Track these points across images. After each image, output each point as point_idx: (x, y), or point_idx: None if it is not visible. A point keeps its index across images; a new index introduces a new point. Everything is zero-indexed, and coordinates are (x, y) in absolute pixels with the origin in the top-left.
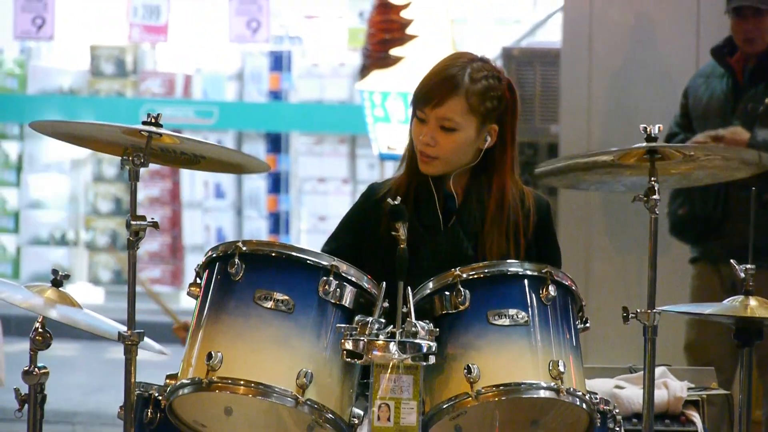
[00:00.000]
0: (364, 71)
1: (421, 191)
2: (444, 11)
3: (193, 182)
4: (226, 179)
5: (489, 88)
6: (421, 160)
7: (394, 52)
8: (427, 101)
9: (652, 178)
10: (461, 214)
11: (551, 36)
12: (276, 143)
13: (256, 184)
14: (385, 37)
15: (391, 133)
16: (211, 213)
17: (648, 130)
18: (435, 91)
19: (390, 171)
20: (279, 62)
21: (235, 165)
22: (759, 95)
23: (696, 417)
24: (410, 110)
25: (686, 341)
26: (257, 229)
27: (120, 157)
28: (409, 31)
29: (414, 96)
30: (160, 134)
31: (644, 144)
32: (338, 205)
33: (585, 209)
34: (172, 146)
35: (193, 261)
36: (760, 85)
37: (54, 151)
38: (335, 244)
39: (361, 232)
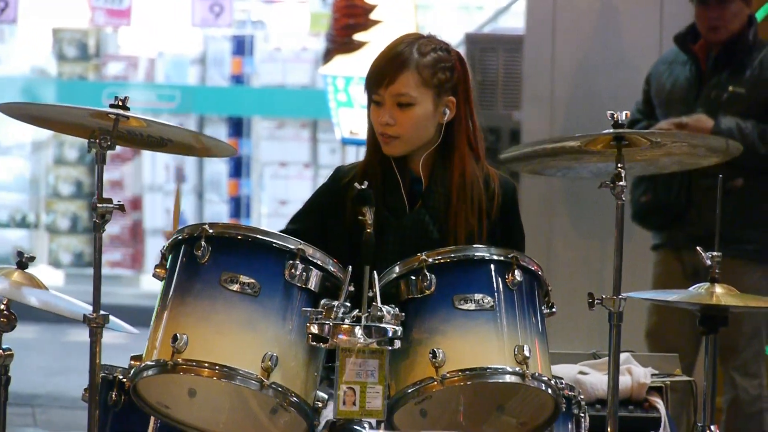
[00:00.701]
0: (327, 56)
1: (386, 175)
2: None
3: (155, 166)
4: (188, 163)
5: (439, 60)
6: (383, 142)
7: (357, 37)
8: (379, 82)
9: (619, 165)
10: (427, 197)
11: (514, 22)
12: (238, 127)
13: (218, 168)
14: (348, 22)
15: (353, 117)
16: (172, 196)
17: (615, 116)
18: (386, 70)
19: (352, 155)
20: (241, 46)
21: (201, 149)
22: (722, 83)
23: (659, 403)
24: (366, 96)
25: (648, 328)
26: (218, 213)
27: (87, 140)
28: (372, 16)
29: (367, 81)
30: (128, 117)
31: (612, 130)
32: (300, 189)
33: (548, 195)
34: (139, 129)
35: (153, 244)
36: (723, 72)
37: (15, 133)
38: (299, 225)
39: (327, 214)
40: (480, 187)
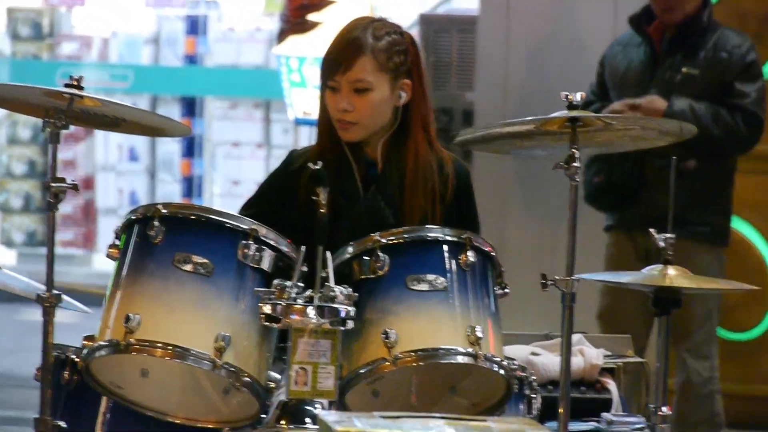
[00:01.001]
0: (281, 36)
1: (339, 160)
2: None
3: (108, 145)
4: (140, 143)
5: (393, 43)
6: (341, 128)
7: (311, 17)
8: (335, 68)
9: (573, 146)
10: (381, 181)
11: (468, 3)
12: (191, 107)
13: (170, 147)
14: (302, 3)
15: (307, 98)
16: (125, 176)
17: (569, 97)
18: (342, 56)
19: (305, 136)
20: (195, 26)
21: (156, 128)
22: (676, 64)
23: (611, 384)
24: (320, 81)
25: (600, 309)
26: (171, 192)
27: (41, 119)
28: None
29: (322, 67)
30: (82, 96)
31: (566, 112)
32: (252, 169)
33: (501, 176)
34: (93, 109)
35: (106, 224)
36: (677, 54)
37: None
38: (253, 210)
39: (280, 199)
40: (433, 170)
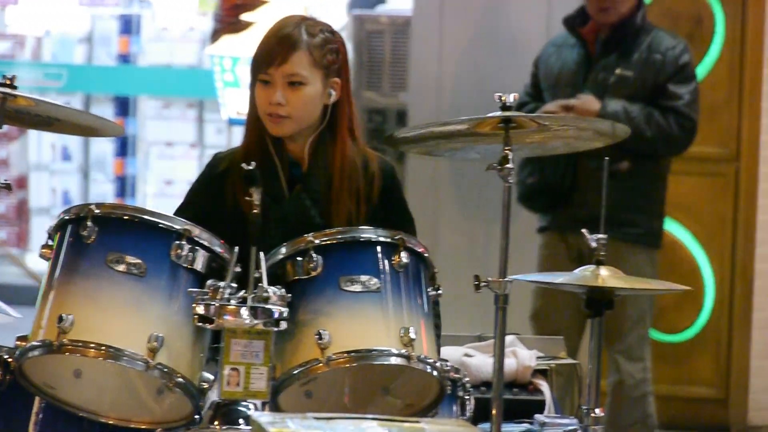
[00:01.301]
0: (214, 36)
1: (264, 160)
2: None
3: (41, 145)
4: (73, 142)
5: (327, 41)
6: (273, 122)
7: (245, 17)
8: (270, 61)
9: (507, 147)
10: (307, 181)
11: (402, 3)
12: (124, 107)
13: (103, 147)
14: (236, 2)
15: (240, 98)
16: (58, 175)
17: (503, 98)
18: (277, 49)
19: (238, 136)
20: (128, 26)
21: (90, 128)
22: (610, 66)
23: (544, 386)
24: (250, 77)
25: (532, 310)
26: (104, 192)
27: None
28: None
29: (255, 60)
30: (15, 96)
31: (499, 113)
32: (186, 169)
33: (433, 177)
34: (27, 108)
35: (39, 223)
36: (611, 55)
37: None
38: (188, 214)
39: (208, 202)
40: (358, 170)
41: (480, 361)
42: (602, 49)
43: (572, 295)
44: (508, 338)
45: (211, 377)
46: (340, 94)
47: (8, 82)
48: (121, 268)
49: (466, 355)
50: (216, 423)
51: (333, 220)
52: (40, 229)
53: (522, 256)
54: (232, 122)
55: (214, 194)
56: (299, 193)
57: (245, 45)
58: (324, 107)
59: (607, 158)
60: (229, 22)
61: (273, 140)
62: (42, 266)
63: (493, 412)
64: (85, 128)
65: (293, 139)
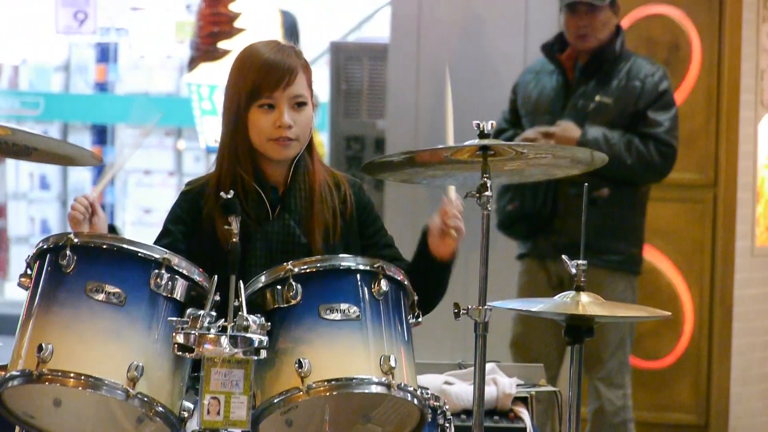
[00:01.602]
0: (192, 64)
1: (243, 184)
2: (272, 4)
3: (18, 173)
4: (52, 170)
5: (308, 63)
6: (280, 145)
7: (222, 45)
8: (277, 84)
9: (485, 175)
10: (287, 202)
11: (379, 31)
12: (102, 135)
13: (82, 175)
14: (213, 30)
15: (218, 126)
16: (36, 204)
17: (481, 126)
18: (281, 72)
19: None
20: (105, 54)
21: (67, 157)
22: (589, 92)
23: (524, 413)
24: (238, 106)
25: (512, 337)
26: None
27: None
28: (237, 24)
29: (254, 87)
30: None
31: (477, 140)
32: (164, 197)
33: (412, 204)
34: (4, 137)
35: (17, 252)
36: (590, 82)
37: None
38: (167, 240)
39: (187, 229)
40: (333, 190)
41: (460, 389)
42: (581, 75)
43: (552, 322)
44: (489, 366)
45: (191, 406)
46: None
47: None
48: (101, 297)
49: (447, 382)
50: None
51: (313, 238)
52: (18, 258)
53: (502, 282)
54: (209, 150)
55: (190, 221)
56: (281, 213)
57: (223, 73)
58: None
59: (586, 185)
60: (206, 50)
61: (252, 166)
62: (21, 295)
63: None
64: (63, 157)
65: (273, 163)
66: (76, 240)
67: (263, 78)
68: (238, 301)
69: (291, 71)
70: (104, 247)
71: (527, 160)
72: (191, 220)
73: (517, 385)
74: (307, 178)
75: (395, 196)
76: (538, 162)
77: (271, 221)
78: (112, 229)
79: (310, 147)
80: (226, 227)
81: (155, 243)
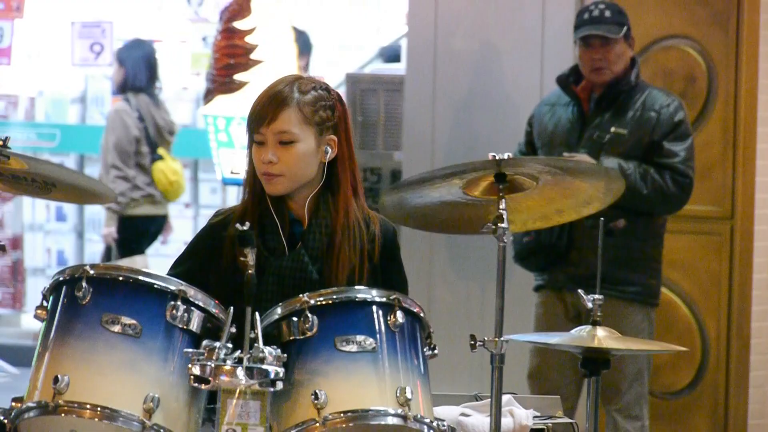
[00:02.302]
0: (208, 96)
1: (265, 216)
2: (289, 37)
3: (35, 205)
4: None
5: (319, 98)
6: (266, 181)
7: (238, 77)
8: (261, 120)
9: (501, 207)
10: (307, 238)
11: (395, 63)
12: None
13: (98, 207)
14: (229, 62)
15: (234, 157)
16: (53, 235)
17: (497, 158)
18: (267, 108)
19: (233, 196)
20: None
21: (85, 194)
22: (604, 124)
23: None
24: (247, 138)
25: (530, 369)
26: (99, 252)
27: None
28: (253, 56)
29: (248, 121)
30: (8, 156)
31: (493, 169)
32: (180, 229)
33: (428, 236)
34: (22, 171)
35: (34, 283)
36: (605, 113)
37: None
38: (181, 269)
39: (207, 258)
40: (362, 227)
41: (477, 421)
42: (596, 107)
43: (569, 354)
44: (505, 397)
45: None
46: (338, 151)
47: (1, 143)
48: (116, 328)
49: (463, 414)
50: None
51: (335, 277)
52: (35, 290)
53: (519, 314)
54: (226, 182)
55: (211, 250)
56: (299, 249)
57: (239, 105)
58: (321, 165)
59: (602, 218)
60: (222, 81)
61: (274, 198)
62: (37, 327)
63: None
64: (82, 194)
65: (293, 197)
66: (91, 272)
67: (252, 113)
68: (254, 332)
69: (276, 107)
70: (120, 279)
71: (546, 192)
72: (211, 250)
73: (534, 417)
74: (329, 216)
75: (412, 232)
76: (557, 195)
77: (286, 256)
78: None
79: (334, 183)
80: (241, 259)
81: (174, 263)
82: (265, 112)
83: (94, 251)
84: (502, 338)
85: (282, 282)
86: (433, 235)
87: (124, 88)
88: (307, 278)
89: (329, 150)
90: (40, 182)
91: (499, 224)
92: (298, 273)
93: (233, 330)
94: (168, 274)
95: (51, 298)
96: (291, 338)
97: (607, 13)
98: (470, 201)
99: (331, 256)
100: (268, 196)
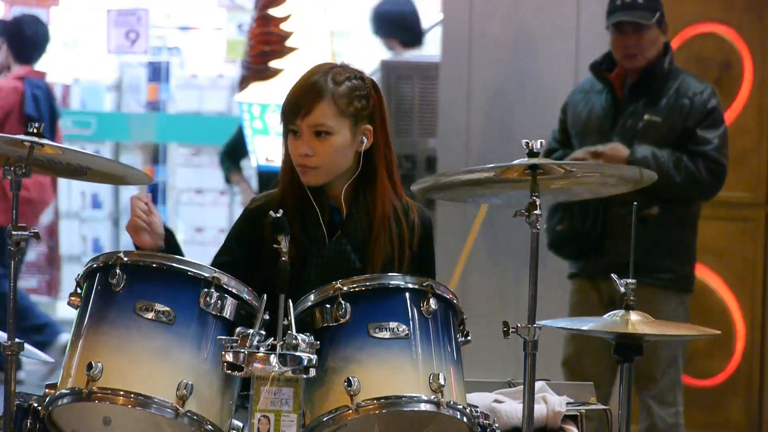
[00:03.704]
0: (243, 83)
1: (304, 205)
2: (324, 24)
3: (70, 192)
4: (103, 190)
5: (354, 88)
6: (302, 172)
7: (273, 64)
8: (296, 112)
9: (534, 194)
10: (347, 226)
11: (430, 50)
12: (154, 154)
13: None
14: (264, 50)
15: (269, 145)
16: (88, 223)
17: (530, 145)
18: (301, 100)
19: (267, 183)
20: (157, 73)
21: (119, 177)
22: (638, 111)
23: (574, 431)
24: (282, 127)
25: (564, 356)
26: None
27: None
28: (288, 43)
29: (282, 111)
30: (42, 144)
31: (527, 159)
32: (215, 216)
33: (463, 223)
34: (57, 157)
35: (69, 271)
36: (639, 101)
37: None
38: (225, 258)
39: (250, 245)
40: (399, 216)
41: (510, 407)
42: (630, 94)
43: (603, 341)
44: (538, 384)
45: (241, 425)
46: (374, 139)
47: (36, 130)
48: (150, 315)
49: (497, 401)
50: None
51: (370, 266)
52: (70, 277)
53: (553, 301)
54: (261, 169)
55: (250, 239)
56: (339, 238)
57: (274, 92)
58: (357, 154)
59: (636, 204)
60: (257, 69)
61: (312, 187)
62: (72, 314)
63: None
64: (116, 177)
65: (331, 186)
66: (125, 259)
67: (287, 104)
68: (288, 319)
69: (311, 100)
70: (153, 266)
71: (575, 178)
72: (251, 237)
73: (567, 404)
74: (368, 204)
75: (447, 213)
76: (587, 181)
77: (328, 244)
78: (167, 230)
79: (370, 171)
80: (275, 246)
81: (216, 256)
82: (300, 104)
83: (129, 239)
84: (534, 325)
85: (325, 271)
86: (469, 222)
87: None
88: (349, 267)
89: (365, 139)
90: (75, 166)
91: (531, 211)
92: (341, 262)
93: (267, 317)
94: (214, 261)
95: (85, 285)
96: (324, 325)
97: None
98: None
99: (370, 244)
100: (299, 185)
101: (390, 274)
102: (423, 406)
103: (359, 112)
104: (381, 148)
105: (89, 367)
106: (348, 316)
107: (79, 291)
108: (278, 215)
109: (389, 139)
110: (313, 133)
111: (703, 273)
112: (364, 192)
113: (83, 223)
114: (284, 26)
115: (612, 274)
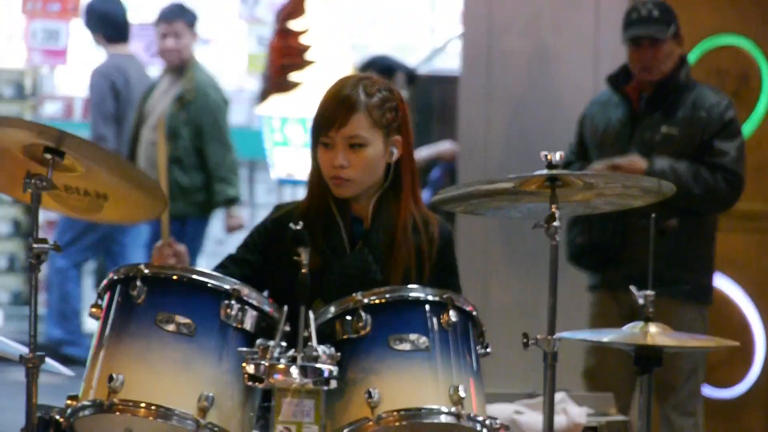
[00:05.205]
0: (263, 96)
1: (327, 215)
2: (343, 37)
3: None
4: None
5: (385, 99)
6: (335, 185)
7: (293, 77)
8: (330, 124)
9: (553, 205)
10: (368, 237)
11: (450, 62)
12: None
13: None
14: (284, 63)
15: (290, 157)
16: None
17: (549, 157)
18: (336, 112)
19: (288, 195)
20: None
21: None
22: (655, 124)
23: None
24: (311, 139)
25: (584, 367)
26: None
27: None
28: (308, 56)
29: (315, 123)
30: (62, 153)
31: (545, 171)
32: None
33: (483, 235)
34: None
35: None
36: (656, 113)
37: None
38: (241, 256)
39: (269, 253)
40: (419, 228)
41: (531, 419)
42: (646, 106)
43: (623, 352)
44: (558, 395)
45: None
46: (402, 151)
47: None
48: (171, 327)
49: (517, 412)
50: None
51: (391, 277)
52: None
53: (573, 313)
54: (281, 182)
55: (273, 245)
56: (361, 248)
57: (294, 105)
58: (387, 165)
59: (654, 216)
60: (277, 82)
61: (336, 198)
62: (93, 326)
63: None
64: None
65: (357, 197)
66: (146, 271)
67: (320, 116)
68: (308, 331)
69: (347, 112)
70: (174, 278)
71: (594, 190)
72: (273, 245)
73: (587, 415)
74: (391, 215)
75: (467, 225)
76: (605, 192)
77: (349, 255)
78: None
79: (397, 183)
80: (295, 258)
81: (238, 248)
82: (335, 116)
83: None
84: (554, 336)
85: (346, 281)
86: (489, 233)
87: None
88: (370, 278)
89: (395, 150)
90: (93, 194)
91: (550, 223)
92: (362, 272)
93: (287, 329)
94: (230, 256)
95: (106, 296)
96: (345, 337)
97: (655, 13)
98: (522, 190)
99: (391, 256)
100: (330, 197)
101: (410, 286)
102: (443, 419)
103: (390, 123)
104: (407, 160)
105: (110, 379)
106: (368, 328)
107: (100, 302)
108: (298, 228)
109: (413, 151)
110: (347, 146)
111: (722, 284)
112: (388, 203)
113: None
114: (303, 39)
115: (631, 286)
